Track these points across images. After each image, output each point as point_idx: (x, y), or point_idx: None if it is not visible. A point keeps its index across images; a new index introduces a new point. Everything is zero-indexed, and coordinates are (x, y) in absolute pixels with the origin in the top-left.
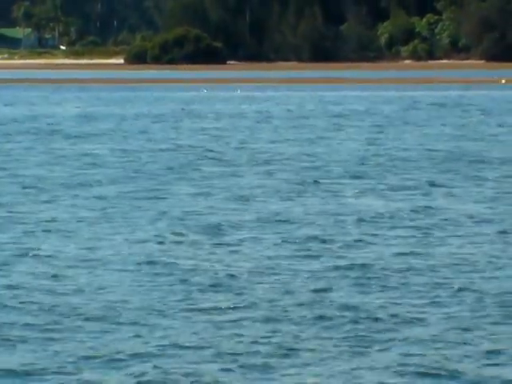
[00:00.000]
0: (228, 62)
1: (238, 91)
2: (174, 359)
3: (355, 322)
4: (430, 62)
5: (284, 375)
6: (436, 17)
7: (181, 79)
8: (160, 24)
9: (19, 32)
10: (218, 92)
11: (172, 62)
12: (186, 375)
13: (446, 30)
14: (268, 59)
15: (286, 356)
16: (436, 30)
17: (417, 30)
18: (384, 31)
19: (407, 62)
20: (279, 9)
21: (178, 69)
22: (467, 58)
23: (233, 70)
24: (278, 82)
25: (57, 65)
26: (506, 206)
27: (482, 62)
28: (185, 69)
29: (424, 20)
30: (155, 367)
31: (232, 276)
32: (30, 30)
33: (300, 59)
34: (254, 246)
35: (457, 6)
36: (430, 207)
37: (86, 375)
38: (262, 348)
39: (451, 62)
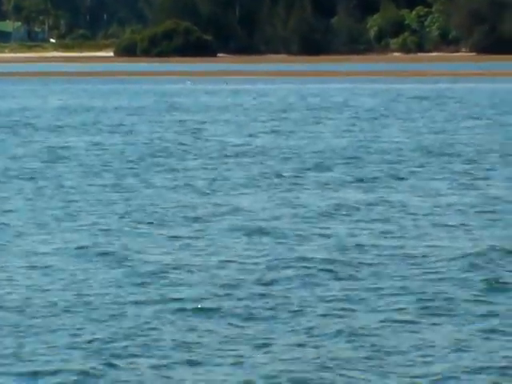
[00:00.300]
0: (218, 55)
1: (226, 84)
2: (120, 350)
3: (303, 314)
4: (420, 55)
5: (232, 364)
6: (426, 9)
7: (170, 71)
8: (150, 18)
9: (9, 25)
10: (207, 85)
11: (161, 54)
12: (132, 368)
13: (435, 23)
14: (258, 52)
15: (232, 349)
16: (426, 23)
17: (406, 22)
18: (373, 24)
19: (397, 54)
20: (269, 1)
21: (168, 61)
22: (457, 51)
23: (223, 63)
24: (268, 75)
25: (47, 58)
26: (470, 198)
27: (473, 54)
28: (175, 61)
29: (414, 12)
30: (102, 358)
31: (183, 268)
32: (19, 23)
33: (290, 52)
34: (210, 238)
35: None
36: (393, 200)
37: (43, 365)
38: (208, 340)
39: (441, 54)
